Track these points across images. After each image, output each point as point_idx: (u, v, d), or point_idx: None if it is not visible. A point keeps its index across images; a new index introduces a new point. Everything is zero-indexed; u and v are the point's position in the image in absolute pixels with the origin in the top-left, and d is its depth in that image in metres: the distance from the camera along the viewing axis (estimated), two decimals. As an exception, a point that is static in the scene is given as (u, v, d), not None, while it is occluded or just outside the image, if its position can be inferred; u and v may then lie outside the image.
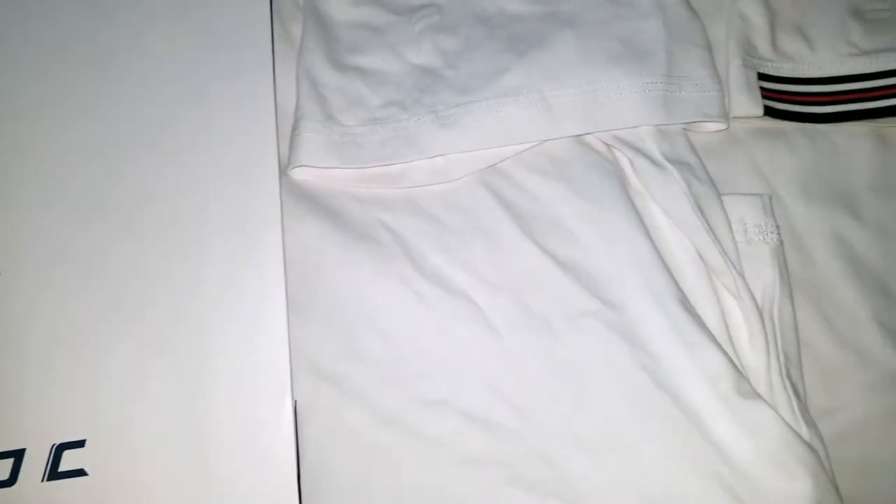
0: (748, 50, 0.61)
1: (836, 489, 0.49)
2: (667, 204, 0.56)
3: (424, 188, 0.59)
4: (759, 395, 0.50)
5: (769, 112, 0.59)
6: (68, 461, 0.50)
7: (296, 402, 0.53)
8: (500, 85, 0.58)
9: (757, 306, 0.53)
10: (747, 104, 0.59)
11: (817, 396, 0.53)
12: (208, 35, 0.62)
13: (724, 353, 0.51)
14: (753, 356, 0.52)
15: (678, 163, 0.56)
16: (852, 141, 0.60)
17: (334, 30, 0.63)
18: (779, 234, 0.55)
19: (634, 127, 0.57)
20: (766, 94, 0.60)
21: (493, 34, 0.61)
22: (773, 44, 0.61)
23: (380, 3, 0.64)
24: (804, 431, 0.50)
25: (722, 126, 0.58)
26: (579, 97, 0.58)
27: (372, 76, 0.61)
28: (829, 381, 0.54)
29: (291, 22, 0.65)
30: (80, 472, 0.50)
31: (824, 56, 0.61)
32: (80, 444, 0.51)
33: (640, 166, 0.57)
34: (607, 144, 0.58)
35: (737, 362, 0.52)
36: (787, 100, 0.60)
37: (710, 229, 0.54)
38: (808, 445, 0.49)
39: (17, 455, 0.50)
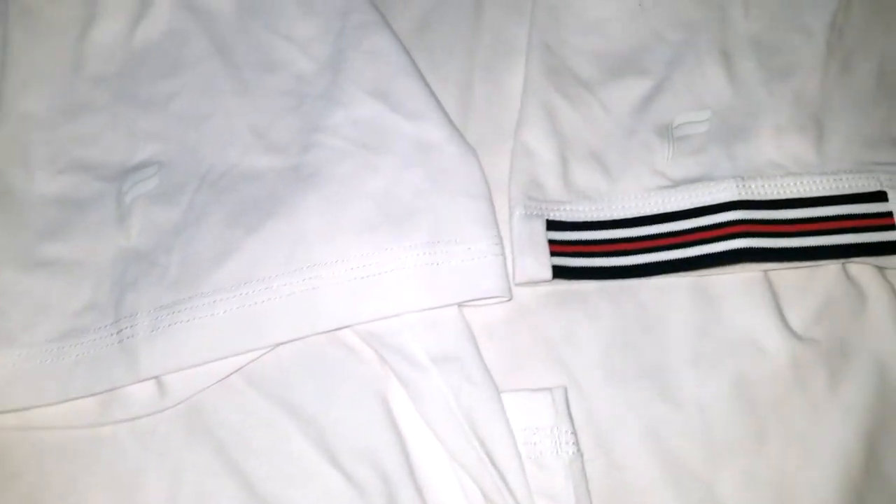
0: (533, 192, 0.49)
1: None
2: (430, 420, 0.44)
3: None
4: None
5: (562, 273, 0.48)
6: None
7: None
8: (223, 274, 0.46)
9: (547, 551, 0.41)
10: (532, 267, 0.47)
11: None
12: None
13: None
14: None
15: (445, 360, 0.45)
16: (666, 299, 0.48)
17: (25, 212, 0.51)
18: (575, 440, 0.44)
19: (394, 316, 0.46)
20: (558, 248, 0.48)
21: (220, 200, 0.49)
22: (565, 179, 0.50)
23: (87, 168, 0.52)
24: None
25: (503, 298, 0.47)
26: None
27: (69, 271, 0.49)
28: None
29: None
30: None
31: (627, 190, 0.49)
32: None
33: (398, 369, 0.45)
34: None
35: None
36: (583, 252, 0.48)
37: (485, 449, 0.43)
38: None
39: None
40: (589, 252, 0.48)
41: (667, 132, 0.50)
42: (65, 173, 0.51)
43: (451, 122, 0.50)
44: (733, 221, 0.46)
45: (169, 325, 0.45)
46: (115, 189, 0.50)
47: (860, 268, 0.48)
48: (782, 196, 0.47)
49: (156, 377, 0.45)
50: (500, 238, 0.47)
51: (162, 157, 0.51)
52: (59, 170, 0.51)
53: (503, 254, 0.47)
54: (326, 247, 0.47)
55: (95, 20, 0.55)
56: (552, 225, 0.49)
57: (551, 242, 0.48)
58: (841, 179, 0.47)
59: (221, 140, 0.51)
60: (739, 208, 0.47)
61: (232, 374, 0.46)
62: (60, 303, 0.48)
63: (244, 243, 0.47)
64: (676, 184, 0.48)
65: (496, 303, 0.47)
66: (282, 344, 0.46)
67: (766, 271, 0.48)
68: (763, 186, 0.47)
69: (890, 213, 0.46)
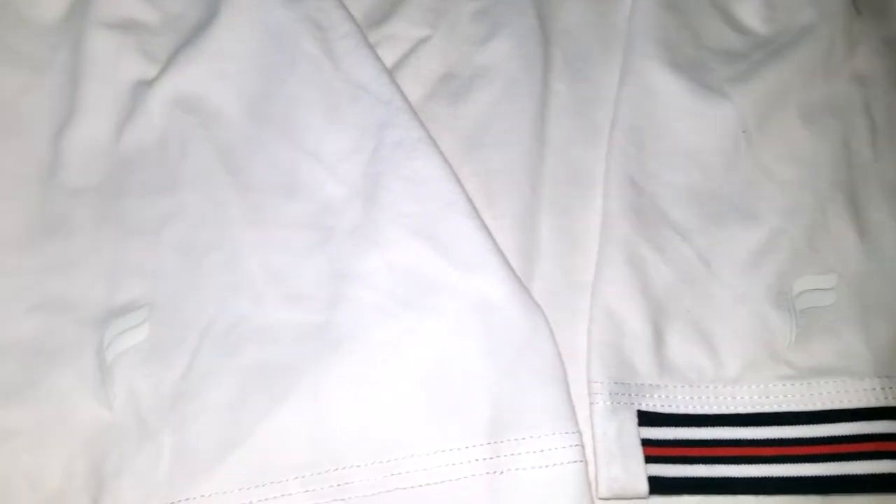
0: (622, 374, 0.39)
1: None
2: None
3: None
4: None
5: (658, 485, 0.37)
6: None
7: None
8: (226, 472, 0.37)
9: None
10: (622, 478, 0.37)
11: None
12: None
13: None
14: None
15: None
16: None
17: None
18: None
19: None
20: (653, 451, 0.38)
21: (226, 366, 0.40)
22: (659, 355, 0.40)
23: (64, 307, 0.41)
24: None
25: (583, 520, 0.36)
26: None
27: (32, 449, 0.38)
28: None
29: None
30: None
31: (739, 377, 0.39)
32: None
33: None
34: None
35: None
36: (683, 457, 0.38)
37: None
38: None
39: None
40: (689, 457, 0.38)
41: (785, 302, 0.40)
42: (35, 312, 0.40)
43: (512, 272, 0.40)
44: (878, 435, 0.36)
45: None
46: (95, 338, 0.39)
47: None
48: (942, 402, 0.37)
49: None
50: (580, 434, 0.37)
51: (153, 297, 0.40)
52: (28, 307, 0.41)
53: (584, 458, 0.37)
54: (359, 443, 0.36)
55: (75, 116, 0.45)
56: (644, 418, 0.38)
57: (645, 443, 0.38)
58: None
59: (228, 282, 0.41)
60: (886, 417, 0.37)
61: None
62: (20, 493, 0.37)
63: (254, 432, 0.37)
64: (802, 375, 0.38)
65: (572, 522, 0.37)
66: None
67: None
68: (916, 389, 0.37)
69: None
